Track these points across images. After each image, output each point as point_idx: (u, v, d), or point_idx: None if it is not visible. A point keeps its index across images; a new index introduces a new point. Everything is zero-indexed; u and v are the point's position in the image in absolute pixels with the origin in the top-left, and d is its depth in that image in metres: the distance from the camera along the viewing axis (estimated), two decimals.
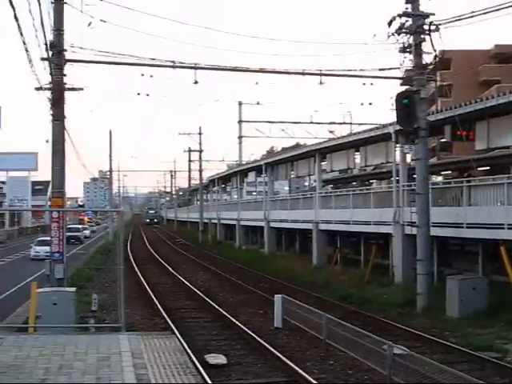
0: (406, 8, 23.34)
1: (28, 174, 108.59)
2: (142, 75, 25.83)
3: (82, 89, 24.41)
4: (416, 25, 23.14)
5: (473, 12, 21.28)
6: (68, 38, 22.38)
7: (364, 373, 14.96)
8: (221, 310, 24.15)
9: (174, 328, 20.09)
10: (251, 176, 63.49)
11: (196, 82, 25.82)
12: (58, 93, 22.15)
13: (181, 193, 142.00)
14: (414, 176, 25.75)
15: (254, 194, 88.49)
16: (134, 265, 43.44)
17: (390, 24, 23.56)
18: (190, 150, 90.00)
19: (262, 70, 27.34)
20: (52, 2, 21.56)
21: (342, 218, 35.33)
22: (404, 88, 26.44)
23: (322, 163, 42.22)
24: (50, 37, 21.61)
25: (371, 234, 33.16)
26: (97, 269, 39.98)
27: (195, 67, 25.83)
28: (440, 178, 43.95)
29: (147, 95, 31.46)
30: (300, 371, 14.77)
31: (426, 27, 23.04)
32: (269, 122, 56.49)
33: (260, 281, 34.37)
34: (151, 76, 25.88)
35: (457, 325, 20.43)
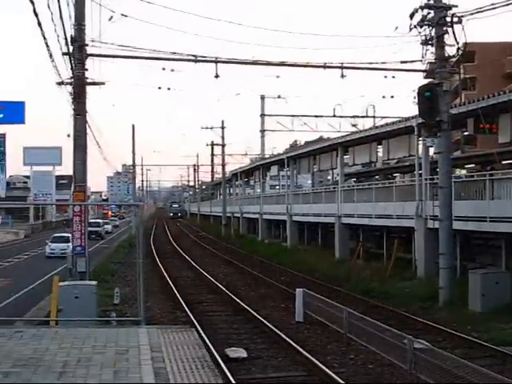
0: (428, 0, 23.15)
1: (52, 169, 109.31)
2: (163, 69, 25.87)
3: (103, 83, 24.46)
4: (438, 17, 22.94)
5: (493, 4, 21.06)
6: (89, 32, 22.44)
7: (384, 367, 14.88)
8: (242, 303, 24.16)
9: (194, 321, 20.14)
10: (274, 170, 63.27)
11: (217, 76, 25.79)
12: (79, 87, 22.22)
13: (204, 187, 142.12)
14: (437, 169, 25.56)
15: (277, 187, 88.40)
16: (157, 258, 43.62)
17: (411, 16, 23.39)
18: (212, 144, 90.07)
19: (283, 64, 27.25)
20: None
21: (365, 212, 35.19)
22: (427, 81, 26.24)
23: (345, 157, 42.06)
24: (70, 31, 21.68)
25: (394, 228, 32.99)
26: (120, 263, 40.20)
27: (216, 61, 25.79)
28: (464, 172, 43.61)
29: (168, 89, 31.45)
30: (320, 365, 14.73)
31: (448, 19, 22.84)
32: (291, 115, 56.26)
33: (282, 274, 34.33)
34: (172, 70, 25.93)
35: (479, 319, 20.26)
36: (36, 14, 19.08)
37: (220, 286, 29.49)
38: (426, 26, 23.38)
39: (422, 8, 23.10)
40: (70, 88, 22.61)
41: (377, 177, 53.33)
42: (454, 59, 24.66)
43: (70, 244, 43.29)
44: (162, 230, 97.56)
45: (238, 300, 25.07)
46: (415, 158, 31.18)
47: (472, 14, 22.29)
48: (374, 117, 54.03)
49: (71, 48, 21.87)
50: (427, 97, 23.08)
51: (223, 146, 79.84)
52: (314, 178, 72.48)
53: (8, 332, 12.64)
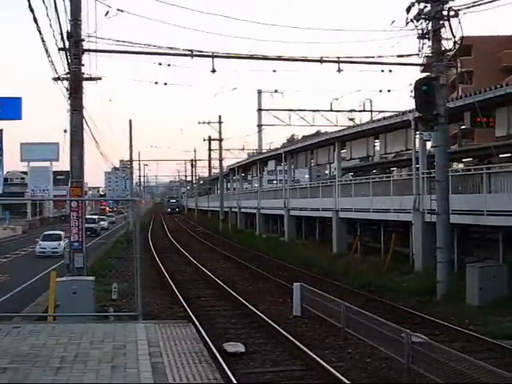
0: None
1: (50, 165, 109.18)
2: (160, 64, 25.77)
3: (99, 78, 24.39)
4: (434, 10, 22.89)
5: None
6: (85, 27, 22.39)
7: (382, 361, 14.90)
8: (240, 298, 24.18)
9: (192, 316, 20.17)
10: (271, 164, 63.26)
11: (214, 71, 25.74)
12: (75, 83, 22.16)
13: (201, 182, 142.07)
14: (434, 163, 25.56)
15: (275, 182, 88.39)
16: (155, 253, 43.65)
17: (408, 10, 23.35)
18: (209, 139, 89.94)
19: (279, 58, 27.21)
20: None
21: (362, 206, 35.21)
22: (424, 75, 26.22)
23: (342, 151, 42.06)
24: (65, 27, 21.61)
25: (391, 222, 32.99)
26: (118, 258, 40.21)
27: (213, 56, 25.74)
28: (461, 165, 43.62)
29: (165, 84, 31.28)
30: (318, 359, 14.77)
31: (444, 13, 22.79)
32: (288, 110, 56.25)
33: (280, 269, 34.37)
34: (169, 65, 25.83)
35: (477, 313, 20.28)
36: (31, 9, 19.05)
37: (218, 280, 29.51)
38: (423, 20, 23.34)
39: (418, 2, 23.06)
40: (66, 83, 22.53)
41: (374, 171, 53.37)
42: (451, 53, 24.61)
43: (62, 242, 42.28)
44: (160, 225, 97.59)
45: (235, 295, 25.09)
46: (412, 152, 31.21)
47: (468, 7, 22.26)
48: (371, 111, 54.11)
49: (67, 43, 21.79)
50: (424, 91, 23.07)
51: (220, 140, 79.76)
52: (311, 173, 72.47)
53: (5, 328, 12.63)
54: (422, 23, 23.37)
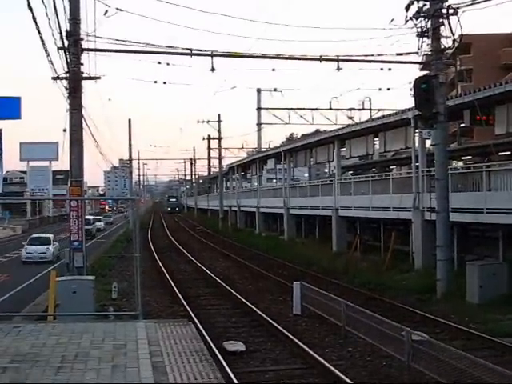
0: None
1: (49, 164, 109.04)
2: (159, 63, 25.74)
3: (99, 77, 24.39)
4: (434, 8, 22.89)
5: None
6: (84, 26, 22.37)
7: (383, 359, 14.91)
8: (240, 297, 24.18)
9: (192, 315, 20.16)
10: (270, 163, 63.28)
11: (213, 69, 25.72)
12: (74, 82, 22.16)
13: (201, 181, 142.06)
14: (434, 161, 25.56)
15: (274, 181, 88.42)
16: (154, 253, 43.63)
17: (407, 8, 23.37)
18: (209, 138, 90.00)
19: (279, 56, 27.18)
20: None
21: (362, 205, 35.21)
22: (423, 73, 26.21)
23: (342, 149, 42.06)
24: (65, 26, 21.60)
25: (391, 220, 33.00)
26: (118, 257, 40.15)
27: (212, 54, 25.70)
28: (460, 163, 43.63)
29: (164, 83, 31.25)
30: (318, 358, 14.77)
31: (444, 11, 22.79)
32: (287, 108, 56.19)
33: (279, 268, 34.37)
34: (168, 64, 25.80)
35: (477, 311, 20.29)
36: (31, 8, 19.04)
37: (218, 279, 29.51)
38: (422, 18, 23.34)
39: (417, 0, 23.06)
40: (65, 83, 22.52)
41: (373, 169, 53.38)
42: (450, 51, 24.60)
43: (51, 246, 41.04)
44: (160, 224, 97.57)
45: (235, 293, 25.09)
46: (412, 150, 31.20)
47: (467, 5, 22.26)
48: (370, 109, 54.05)
49: (66, 42, 21.79)
50: (423, 89, 23.07)
51: (220, 139, 79.77)
52: (310, 171, 72.48)
53: (6, 327, 12.64)
54: (421, 21, 23.38)
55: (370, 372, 14.26)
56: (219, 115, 78.45)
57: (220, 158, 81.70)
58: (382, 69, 28.37)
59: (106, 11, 23.10)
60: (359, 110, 54.38)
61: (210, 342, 15.84)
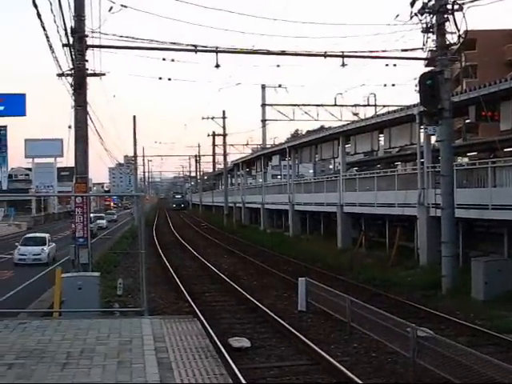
0: None
1: (54, 161, 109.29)
2: (164, 60, 25.78)
3: (103, 74, 24.44)
4: (439, 4, 22.84)
5: None
6: (88, 23, 22.38)
7: (388, 355, 14.91)
8: (245, 293, 24.20)
9: (197, 312, 20.18)
10: (275, 159, 63.23)
11: (218, 66, 25.70)
12: (79, 79, 22.16)
13: (205, 177, 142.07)
14: (439, 158, 25.53)
15: (279, 177, 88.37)
16: (159, 249, 43.66)
17: (412, 4, 23.32)
18: (214, 135, 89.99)
19: (283, 53, 27.15)
20: None
21: (367, 201, 35.19)
22: (428, 69, 26.17)
23: (346, 146, 42.02)
24: (69, 23, 21.61)
25: (396, 217, 32.97)
26: (123, 253, 40.18)
27: (216, 50, 25.68)
28: (466, 160, 43.57)
29: (169, 79, 31.36)
30: (324, 354, 14.77)
31: (449, 7, 22.74)
32: (292, 105, 56.16)
33: (284, 264, 34.39)
34: (172, 60, 25.85)
35: (482, 307, 20.28)
36: (35, 5, 19.04)
37: (223, 276, 29.53)
38: (427, 14, 23.29)
39: None
40: (70, 79, 22.53)
41: (378, 165, 53.32)
42: (455, 47, 24.57)
43: (46, 247, 38.51)
44: (165, 220, 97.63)
45: (240, 290, 25.11)
46: (417, 147, 31.16)
47: (472, 1, 22.26)
48: (375, 105, 53.92)
49: (71, 39, 21.79)
50: (429, 85, 23.04)
51: (224, 135, 79.76)
52: (315, 168, 72.44)
53: (12, 324, 12.65)
54: (426, 17, 23.34)
55: (375, 368, 14.27)
56: (224, 111, 78.50)
57: (225, 155, 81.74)
58: (387, 65, 28.43)
59: (111, 8, 23.12)
60: (364, 106, 54.27)
61: (216, 338, 15.85)
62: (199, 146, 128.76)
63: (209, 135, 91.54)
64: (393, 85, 50.72)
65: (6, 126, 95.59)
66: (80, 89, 22.25)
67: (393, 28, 24.82)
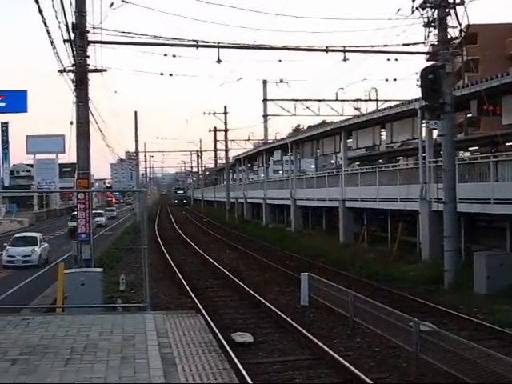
0: None
1: (55, 157, 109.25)
2: (165, 55, 25.76)
3: (105, 70, 24.39)
4: None
5: None
6: (90, 19, 22.35)
7: (391, 350, 14.93)
8: (247, 288, 24.21)
9: (200, 307, 20.19)
10: (277, 154, 63.21)
11: (219, 61, 25.68)
12: (81, 74, 22.15)
13: (207, 173, 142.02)
14: (441, 152, 25.52)
15: (281, 172, 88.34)
16: (162, 245, 43.68)
17: None
18: (215, 130, 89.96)
19: (285, 48, 27.11)
20: None
21: (369, 196, 35.18)
22: (430, 63, 26.13)
23: (348, 140, 42.02)
24: (71, 18, 21.58)
25: (398, 211, 32.97)
26: (126, 249, 40.17)
27: (218, 46, 25.66)
28: (467, 154, 43.54)
29: (170, 75, 31.28)
30: (326, 349, 14.79)
31: (450, 1, 22.72)
32: (293, 100, 56.11)
33: (287, 259, 34.41)
34: (174, 56, 25.79)
35: (484, 301, 20.28)
36: (37, 1, 19.01)
37: (225, 271, 29.54)
38: (429, 8, 23.27)
39: None
40: (71, 75, 22.52)
41: (380, 160, 53.30)
42: (457, 41, 24.54)
43: (37, 248, 35.25)
44: (166, 216, 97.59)
45: (243, 285, 25.13)
46: (419, 141, 31.13)
47: None
48: (376, 100, 53.90)
49: (72, 35, 21.77)
50: (430, 79, 23.01)
51: (226, 131, 79.72)
52: (317, 163, 72.39)
53: (15, 319, 12.68)
54: (427, 11, 23.31)
55: (378, 363, 14.28)
56: (225, 107, 78.40)
57: (226, 150, 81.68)
58: (388, 59, 28.36)
59: (112, 3, 23.10)
60: (366, 100, 54.23)
61: (218, 333, 15.86)
62: (201, 142, 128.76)
63: (210, 131, 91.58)
64: (394, 79, 51.00)
65: (7, 123, 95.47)
66: (81, 85, 22.24)
67: (394, 22, 24.90)
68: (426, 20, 23.38)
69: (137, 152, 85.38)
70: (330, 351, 14.56)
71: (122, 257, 36.79)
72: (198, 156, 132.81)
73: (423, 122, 29.43)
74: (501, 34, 70.34)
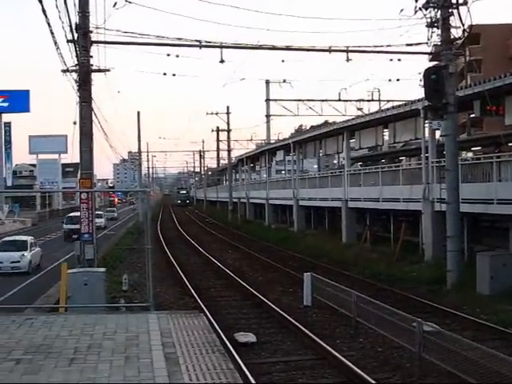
0: None
1: (58, 157, 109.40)
2: (168, 55, 25.83)
3: (108, 70, 24.46)
4: None
5: None
6: (93, 19, 22.40)
7: (394, 350, 14.93)
8: (250, 288, 24.22)
9: (203, 307, 20.21)
10: (280, 155, 63.23)
11: (222, 61, 25.72)
12: (84, 74, 22.19)
13: (210, 173, 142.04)
14: (444, 152, 25.51)
15: (283, 172, 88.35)
16: (164, 245, 43.69)
17: None
18: (218, 130, 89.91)
19: (288, 48, 27.15)
20: None
21: (372, 196, 35.18)
22: (432, 63, 26.14)
23: (351, 141, 42.02)
24: (74, 19, 21.62)
25: (401, 212, 32.97)
26: (128, 249, 40.16)
27: (221, 46, 25.71)
28: (470, 154, 43.53)
29: (173, 75, 31.39)
30: (329, 349, 14.79)
31: (453, 1, 22.72)
32: (296, 100, 56.18)
33: (289, 259, 34.41)
34: (177, 56, 25.84)
35: (487, 302, 20.26)
36: (41, 1, 19.04)
37: (228, 271, 29.55)
38: (432, 8, 23.25)
39: None
40: (75, 75, 22.55)
41: (383, 160, 53.30)
42: (460, 41, 24.53)
43: (28, 253, 32.00)
44: (169, 216, 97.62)
45: (245, 285, 25.14)
46: (421, 141, 31.12)
47: None
48: (379, 100, 53.95)
49: (76, 35, 21.81)
50: (433, 79, 23.01)
51: (229, 131, 79.73)
52: (319, 163, 72.40)
53: (18, 319, 12.71)
54: (430, 12, 23.30)
55: (381, 363, 14.28)
56: (228, 107, 78.45)
57: (229, 150, 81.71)
58: (391, 59, 28.38)
59: (115, 3, 23.11)
60: (368, 101, 54.30)
61: (222, 333, 15.87)
62: (203, 142, 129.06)
63: (213, 131, 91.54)
64: (397, 79, 51.23)
65: (10, 123, 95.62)
66: (85, 85, 22.28)
67: (397, 23, 24.90)
68: (429, 20, 23.37)
69: (139, 152, 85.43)
70: (333, 351, 14.56)
71: (124, 257, 36.78)
72: (200, 156, 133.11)
73: (426, 122, 29.41)
74: (504, 35, 70.36)
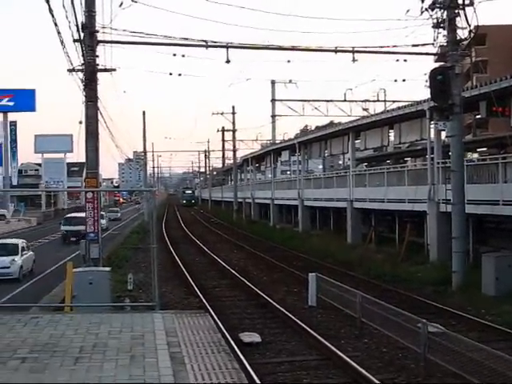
0: None
1: (64, 156, 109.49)
2: (174, 55, 25.80)
3: (114, 69, 24.47)
4: None
5: None
6: (99, 19, 22.42)
7: (398, 351, 14.92)
8: (255, 288, 24.23)
9: (208, 307, 20.22)
10: (285, 155, 63.24)
11: (228, 61, 25.70)
12: (90, 74, 22.21)
13: (215, 173, 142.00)
14: (449, 153, 25.48)
15: (288, 173, 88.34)
16: (169, 245, 43.70)
17: None
18: (223, 130, 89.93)
19: (294, 48, 27.13)
20: None
21: (377, 196, 35.16)
22: (438, 64, 26.10)
23: (356, 141, 41.97)
24: (81, 18, 21.66)
25: (406, 212, 32.94)
26: (134, 248, 40.19)
27: (227, 46, 25.68)
28: (476, 155, 43.46)
29: (179, 75, 31.35)
30: (334, 349, 14.79)
31: (459, 1, 22.69)
32: (302, 100, 56.21)
33: (294, 259, 34.41)
34: (183, 56, 25.82)
35: (493, 303, 20.22)
36: (47, 0, 19.08)
37: (233, 271, 29.56)
38: (438, 9, 23.23)
39: None
40: (81, 75, 22.59)
41: (388, 161, 53.26)
42: (466, 42, 24.49)
43: (19, 258, 29.07)
44: (174, 216, 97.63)
45: (250, 285, 25.15)
46: (427, 142, 31.08)
47: None
48: (385, 101, 53.98)
49: (82, 35, 21.84)
50: (439, 80, 22.97)
51: (234, 131, 79.75)
52: (325, 163, 72.37)
53: (24, 318, 12.74)
54: (436, 12, 23.27)
55: (385, 363, 14.27)
56: (233, 107, 78.43)
57: (234, 150, 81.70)
58: (397, 60, 28.29)
59: (122, 3, 23.13)
60: (374, 101, 54.34)
61: (226, 333, 15.88)
62: (209, 142, 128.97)
63: (218, 131, 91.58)
64: (403, 80, 50.83)
65: (15, 122, 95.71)
66: (91, 84, 22.30)
67: (403, 23, 24.91)
68: (435, 21, 23.35)
69: (145, 152, 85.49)
70: (338, 352, 14.57)
71: (130, 256, 36.81)
72: (205, 156, 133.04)
73: (432, 122, 29.38)
74: (510, 35, 70.19)
